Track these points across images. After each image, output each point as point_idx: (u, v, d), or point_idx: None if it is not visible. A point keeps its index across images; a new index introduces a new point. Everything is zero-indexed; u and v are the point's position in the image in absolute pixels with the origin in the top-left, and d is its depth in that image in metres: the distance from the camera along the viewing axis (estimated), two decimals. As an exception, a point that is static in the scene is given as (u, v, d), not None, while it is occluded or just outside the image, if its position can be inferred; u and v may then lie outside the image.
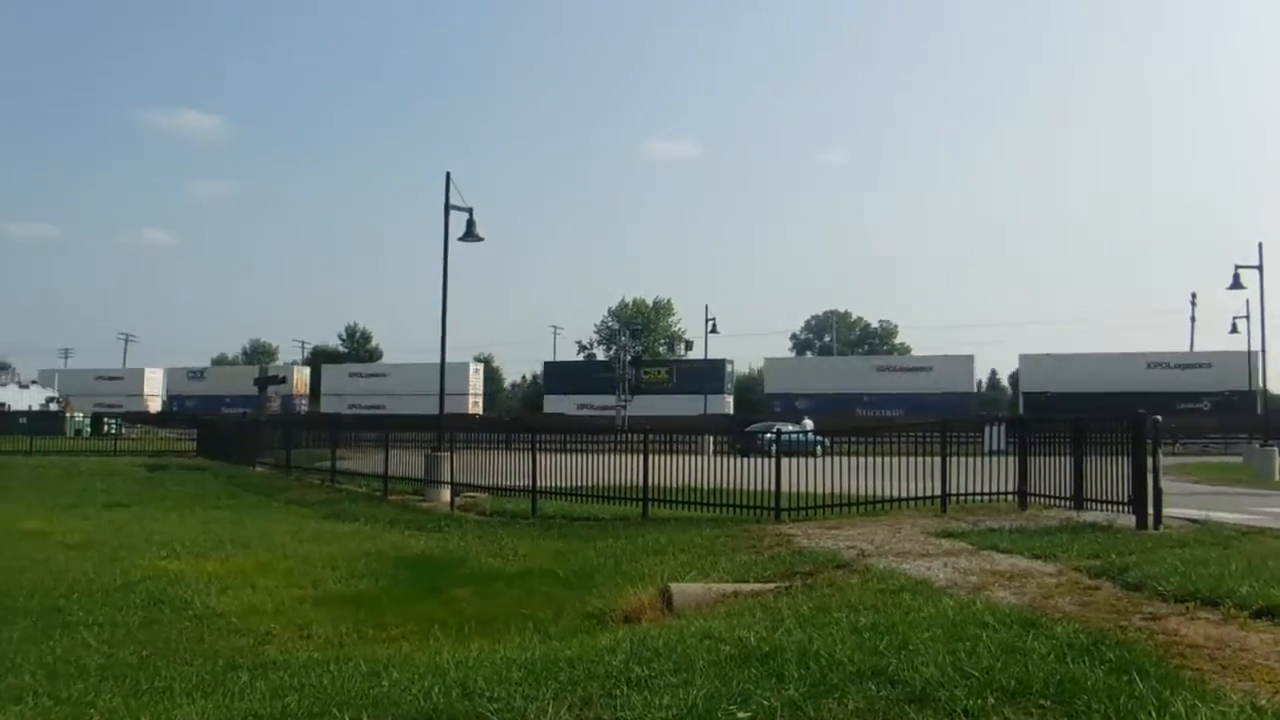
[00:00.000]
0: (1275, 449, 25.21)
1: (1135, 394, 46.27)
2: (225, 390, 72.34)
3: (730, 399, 62.38)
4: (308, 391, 73.41)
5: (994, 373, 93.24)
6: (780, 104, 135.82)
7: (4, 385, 59.64)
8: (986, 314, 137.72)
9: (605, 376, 59.03)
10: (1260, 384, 31.25)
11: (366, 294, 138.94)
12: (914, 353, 77.75)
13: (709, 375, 60.90)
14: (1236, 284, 29.42)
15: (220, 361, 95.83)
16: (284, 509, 17.57)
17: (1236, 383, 51.74)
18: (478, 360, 78.92)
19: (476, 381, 68.21)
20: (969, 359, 60.06)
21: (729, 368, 64.34)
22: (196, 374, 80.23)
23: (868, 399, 55.85)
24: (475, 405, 65.29)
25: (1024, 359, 59.06)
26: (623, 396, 51.16)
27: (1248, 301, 33.06)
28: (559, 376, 67.17)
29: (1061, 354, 57.99)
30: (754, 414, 53.15)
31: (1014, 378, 65.37)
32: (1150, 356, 56.25)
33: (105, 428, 48.09)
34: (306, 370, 76.96)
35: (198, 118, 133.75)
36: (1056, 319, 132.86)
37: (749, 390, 69.23)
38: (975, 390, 60.29)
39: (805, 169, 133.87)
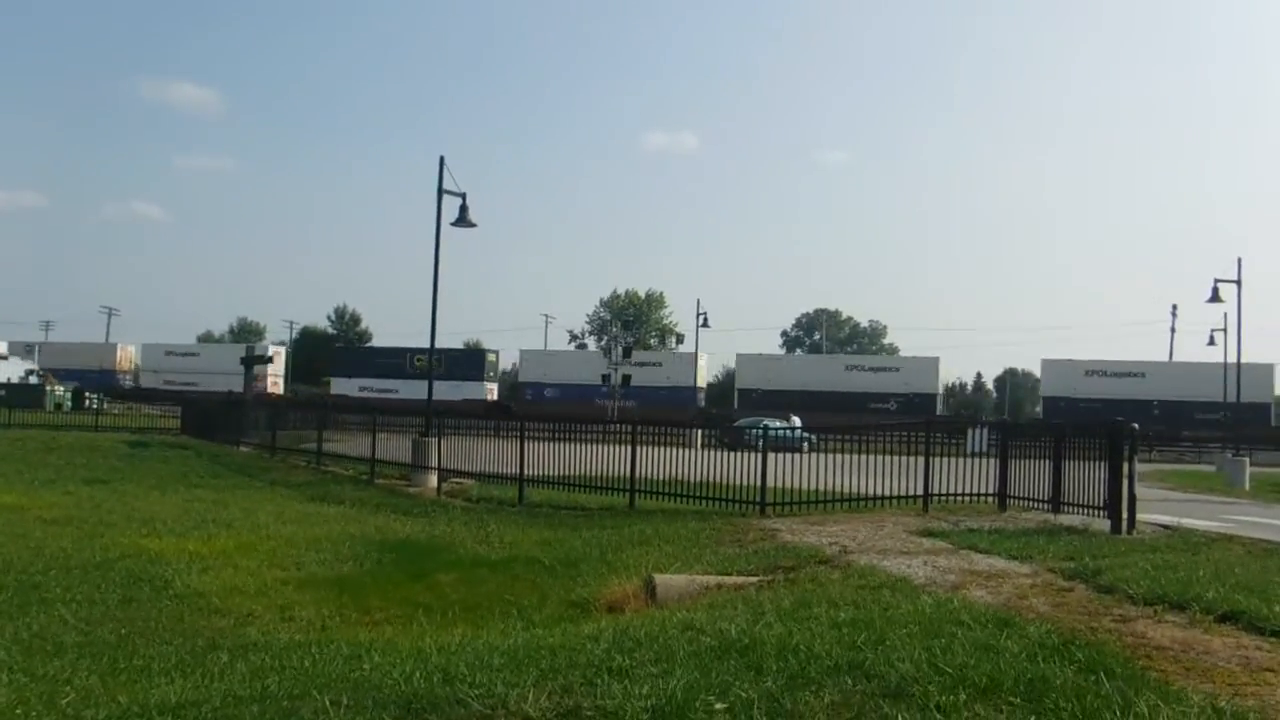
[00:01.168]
0: (1247, 459, 25.52)
1: (833, 392, 55.18)
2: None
3: (493, 386, 66.62)
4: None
5: (979, 375, 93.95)
6: (780, 100, 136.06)
7: None
8: (976, 317, 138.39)
9: (385, 362, 66.25)
10: (1235, 394, 31.48)
11: (359, 276, 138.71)
12: (902, 353, 78.26)
13: (471, 364, 65.84)
14: (1215, 297, 29.62)
15: (206, 339, 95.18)
16: (268, 490, 17.51)
17: (922, 386, 57.89)
18: (471, 346, 78.94)
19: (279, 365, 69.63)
20: (934, 360, 61.81)
21: (490, 358, 69.61)
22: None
23: (836, 397, 56.81)
24: (275, 385, 65.51)
25: (740, 358, 65.38)
26: (615, 388, 51.14)
27: (1225, 315, 33.29)
28: (346, 360, 71.71)
29: (772, 354, 68.92)
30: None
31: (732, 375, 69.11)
32: (848, 360, 64.81)
33: (86, 402, 47.67)
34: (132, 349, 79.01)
35: (192, 90, 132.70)
36: (1047, 324, 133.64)
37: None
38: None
39: (802, 166, 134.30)
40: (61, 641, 6.67)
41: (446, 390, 56.52)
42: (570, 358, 70.69)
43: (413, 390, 56.30)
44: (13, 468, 20.28)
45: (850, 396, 54.80)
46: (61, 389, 50.13)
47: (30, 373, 56.17)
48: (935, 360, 61.66)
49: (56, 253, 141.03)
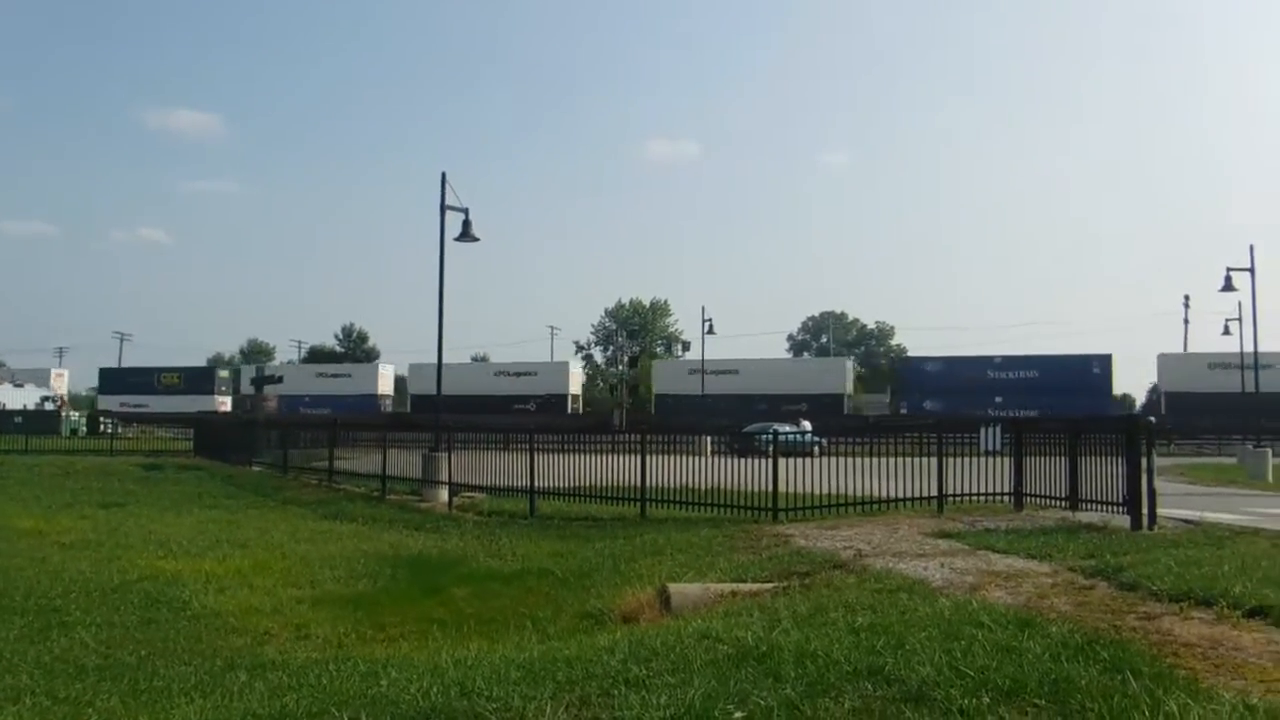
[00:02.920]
0: (1269, 450, 25.29)
1: (487, 396, 60.33)
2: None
3: (225, 400, 71.42)
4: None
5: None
6: (781, 105, 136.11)
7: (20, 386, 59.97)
8: (982, 316, 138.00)
9: (137, 380, 74.15)
10: (1255, 385, 31.15)
11: (364, 294, 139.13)
12: (909, 354, 78.11)
13: (205, 379, 73.84)
14: (1228, 286, 29.46)
15: (216, 361, 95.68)
16: (281, 509, 17.55)
17: (555, 388, 64.22)
18: (476, 359, 79.21)
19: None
20: (564, 365, 69.10)
21: (224, 374, 76.62)
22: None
23: (489, 399, 61.26)
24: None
25: (412, 368, 69.14)
26: (623, 397, 51.23)
27: (1240, 304, 33.04)
28: (110, 379, 77.86)
29: (434, 363, 66.58)
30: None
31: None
32: (496, 366, 70.26)
33: (101, 427, 48.03)
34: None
35: (194, 116, 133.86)
36: (1054, 320, 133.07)
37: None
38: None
39: (805, 170, 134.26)
40: (82, 664, 6.69)
41: (184, 404, 66.97)
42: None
43: (162, 405, 68.12)
44: (31, 493, 20.41)
45: (498, 399, 61.36)
46: (77, 415, 50.49)
47: (45, 399, 56.59)
48: (565, 365, 69.60)
49: (67, 280, 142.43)
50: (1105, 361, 54.41)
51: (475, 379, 63.71)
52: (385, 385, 71.82)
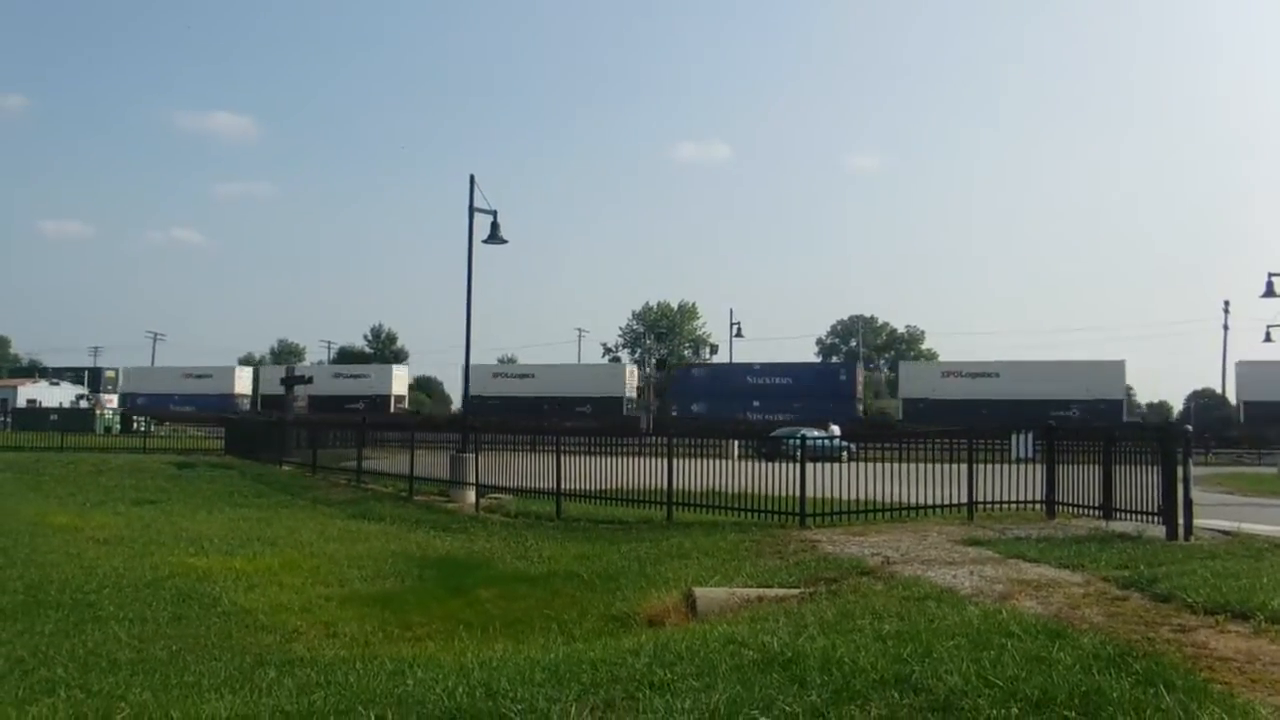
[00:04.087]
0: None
1: (330, 396, 64.64)
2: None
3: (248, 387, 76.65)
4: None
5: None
6: (811, 108, 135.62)
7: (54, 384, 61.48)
8: (1013, 321, 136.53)
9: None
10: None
11: (395, 295, 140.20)
12: (940, 359, 77.41)
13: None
14: (1270, 292, 28.91)
15: (247, 361, 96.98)
16: (310, 508, 17.73)
17: (383, 388, 69.86)
18: (504, 361, 79.70)
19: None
20: (392, 369, 74.05)
21: (111, 374, 79.64)
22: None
23: (332, 399, 65.23)
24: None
25: (318, 366, 77.42)
26: (648, 400, 51.33)
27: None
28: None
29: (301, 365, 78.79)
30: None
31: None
32: (336, 370, 75.85)
33: (134, 425, 48.85)
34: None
35: (229, 118, 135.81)
36: (1086, 325, 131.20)
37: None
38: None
39: (835, 173, 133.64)
40: (115, 658, 6.79)
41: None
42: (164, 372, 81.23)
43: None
44: (65, 490, 20.80)
45: (340, 399, 66.36)
46: (110, 413, 51.40)
47: (80, 397, 57.66)
48: (404, 369, 75.70)
49: (102, 280, 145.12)
50: (851, 368, 59.98)
51: (324, 381, 66.75)
52: (246, 386, 76.38)
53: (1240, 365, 56.57)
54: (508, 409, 57.50)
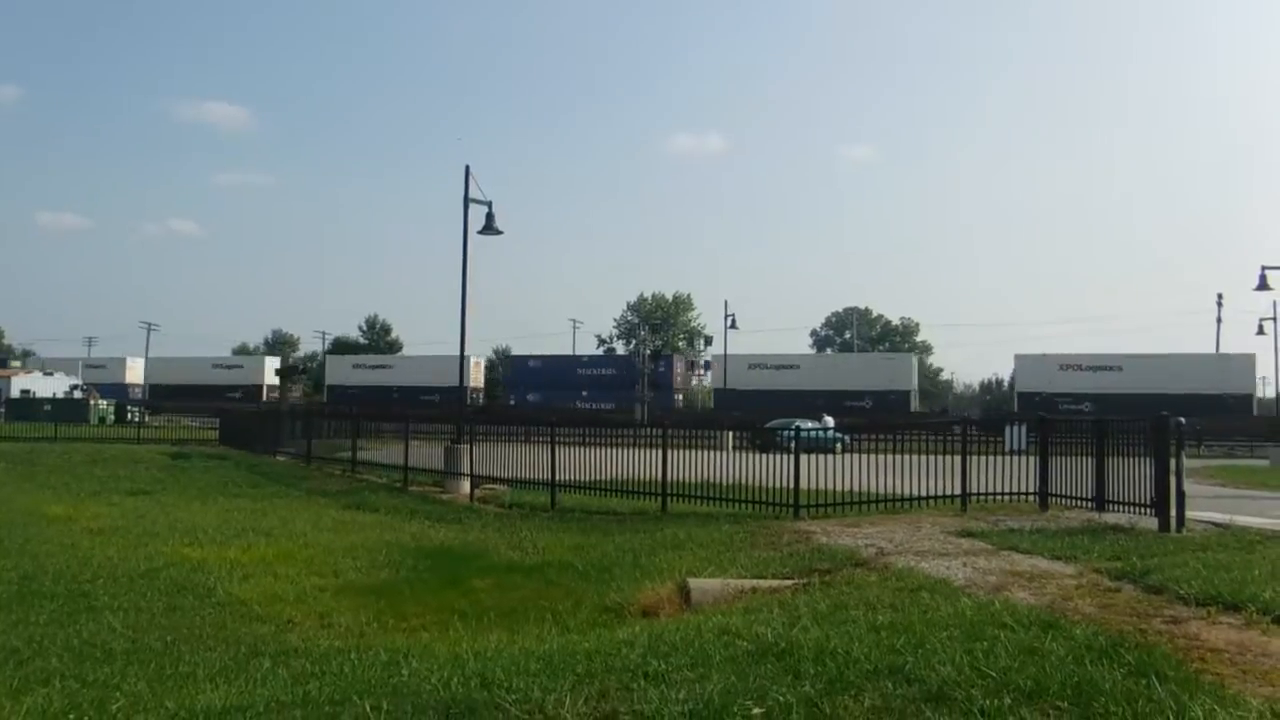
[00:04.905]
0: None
1: (206, 385, 70.30)
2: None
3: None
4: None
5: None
6: (806, 99, 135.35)
7: (29, 373, 61.15)
8: (1007, 313, 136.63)
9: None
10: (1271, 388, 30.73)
11: (390, 286, 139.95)
12: (934, 350, 78.04)
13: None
14: (1263, 285, 29.03)
15: (241, 351, 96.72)
16: (305, 498, 17.72)
17: (254, 379, 73.87)
18: (501, 353, 79.73)
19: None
20: (261, 359, 78.16)
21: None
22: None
23: (208, 389, 70.39)
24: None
25: (151, 361, 79.70)
26: (643, 392, 51.41)
27: (1275, 303, 32.51)
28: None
29: (172, 358, 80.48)
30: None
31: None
32: (214, 360, 79.80)
33: (129, 415, 48.66)
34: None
35: (225, 108, 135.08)
36: (1083, 317, 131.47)
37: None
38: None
39: (829, 164, 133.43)
40: (110, 648, 6.79)
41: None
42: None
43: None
44: (60, 480, 20.76)
45: (220, 388, 70.88)
46: (105, 403, 51.18)
47: (74, 388, 57.42)
48: (275, 360, 78.40)
49: (97, 271, 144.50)
50: (669, 361, 64.03)
51: (201, 372, 72.39)
52: (137, 376, 78.53)
53: (1019, 358, 59.56)
54: (366, 398, 61.22)
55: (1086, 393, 51.94)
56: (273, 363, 78.57)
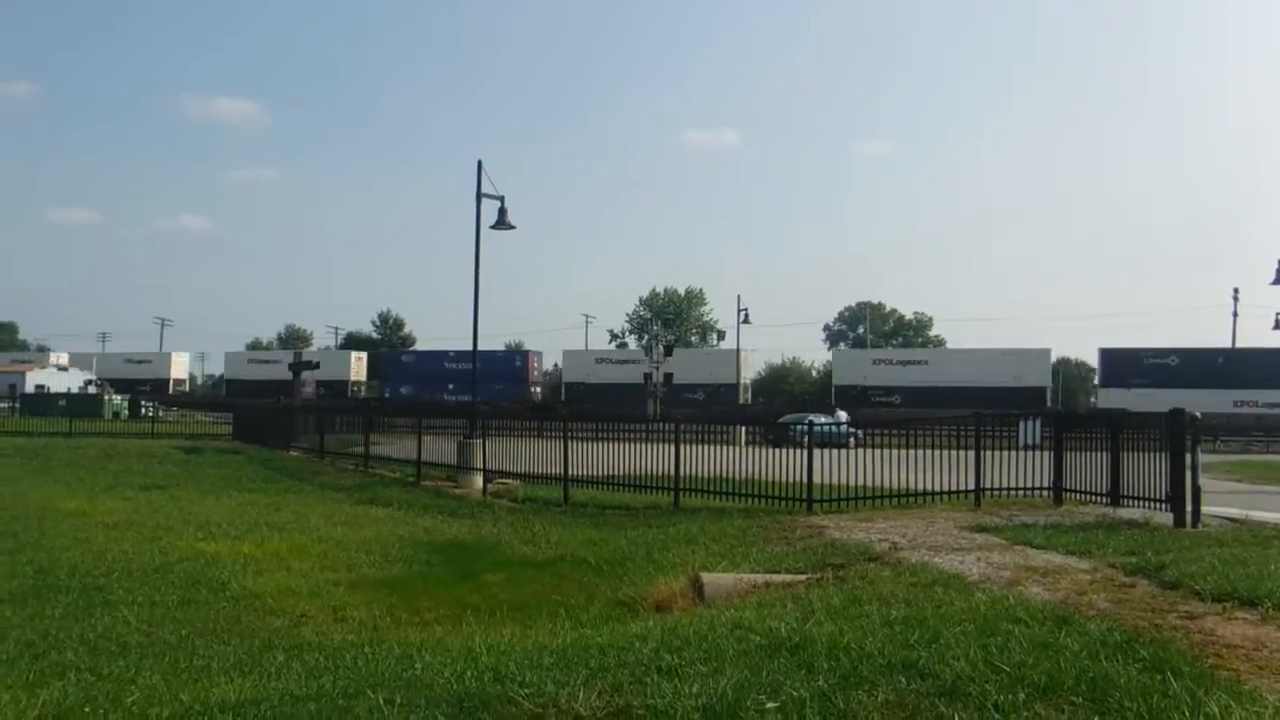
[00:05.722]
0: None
1: (118, 379, 67.98)
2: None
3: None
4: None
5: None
6: (820, 93, 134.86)
7: (43, 368, 61.80)
8: (1023, 308, 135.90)
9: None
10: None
11: (403, 281, 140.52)
12: (948, 345, 77.69)
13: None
14: (1280, 279, 28.72)
15: (255, 346, 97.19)
16: (318, 493, 17.80)
17: (162, 374, 76.59)
18: (512, 348, 79.90)
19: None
20: (168, 355, 79.11)
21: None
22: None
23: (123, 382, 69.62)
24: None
25: (73, 356, 77.31)
26: (656, 388, 51.43)
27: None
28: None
29: (90, 353, 79.83)
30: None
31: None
32: (127, 355, 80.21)
33: (143, 410, 48.97)
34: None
35: (235, 103, 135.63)
36: (1099, 313, 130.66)
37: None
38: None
39: (844, 158, 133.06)
40: (125, 642, 6.84)
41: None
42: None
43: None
44: (75, 475, 20.92)
45: (132, 381, 71.00)
46: (119, 399, 51.51)
47: (89, 383, 57.84)
48: (184, 356, 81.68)
49: (110, 267, 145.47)
50: (525, 356, 67.61)
51: (114, 366, 72.16)
52: (180, 371, 79.98)
53: (836, 353, 65.21)
54: (260, 391, 63.69)
55: (896, 385, 56.59)
56: (181, 358, 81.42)
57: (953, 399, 46.07)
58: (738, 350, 62.25)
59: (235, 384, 73.86)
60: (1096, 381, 58.49)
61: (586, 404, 56.44)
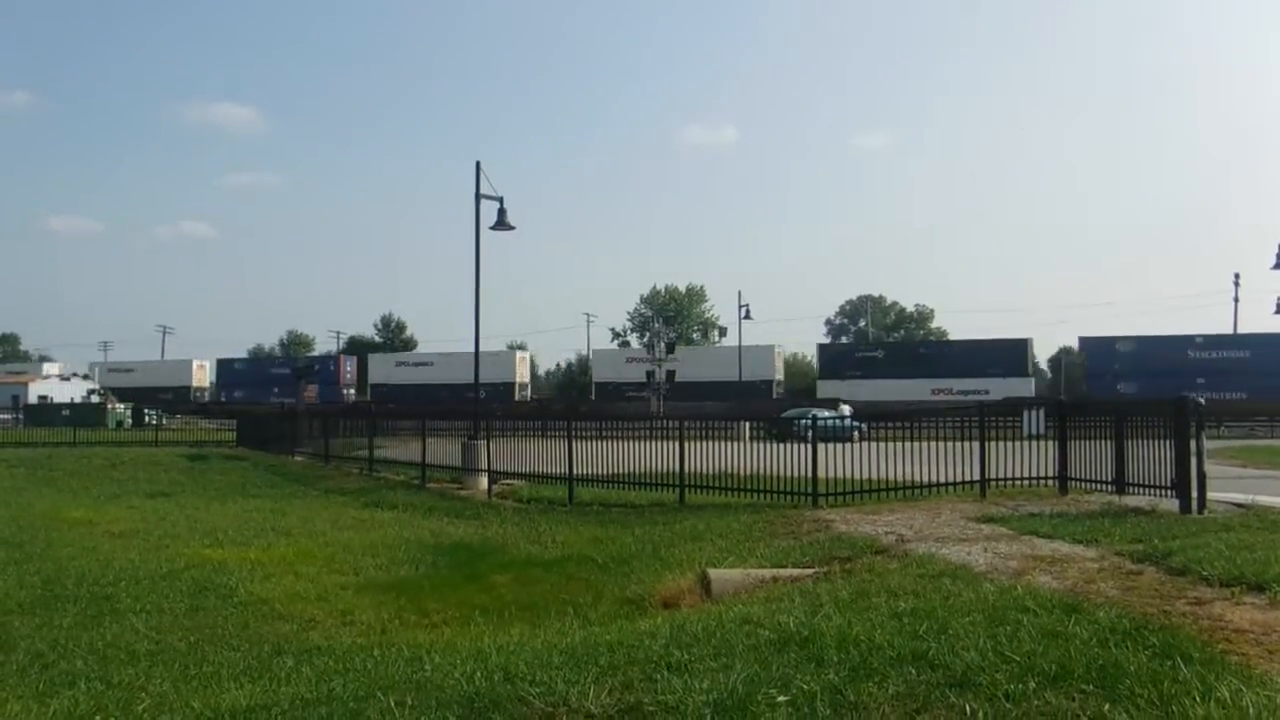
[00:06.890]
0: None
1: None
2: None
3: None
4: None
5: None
6: (818, 88, 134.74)
7: (46, 378, 61.93)
8: (1022, 298, 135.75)
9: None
10: None
11: (404, 283, 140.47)
12: (949, 337, 77.67)
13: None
14: (1280, 264, 28.67)
15: (257, 352, 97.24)
16: (323, 498, 17.82)
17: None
18: (513, 348, 79.81)
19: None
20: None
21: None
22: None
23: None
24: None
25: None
26: (659, 386, 51.46)
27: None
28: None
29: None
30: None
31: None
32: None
33: (146, 419, 49.02)
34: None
35: (233, 110, 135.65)
36: (1099, 301, 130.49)
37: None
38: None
39: (842, 152, 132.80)
40: (134, 649, 6.85)
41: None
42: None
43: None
44: (80, 484, 20.97)
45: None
46: (122, 407, 51.55)
47: (92, 392, 57.90)
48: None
49: (111, 275, 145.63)
50: (337, 360, 72.01)
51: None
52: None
53: (596, 353, 70.47)
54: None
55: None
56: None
57: (698, 393, 55.54)
58: (738, 347, 62.35)
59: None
60: (816, 375, 64.75)
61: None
